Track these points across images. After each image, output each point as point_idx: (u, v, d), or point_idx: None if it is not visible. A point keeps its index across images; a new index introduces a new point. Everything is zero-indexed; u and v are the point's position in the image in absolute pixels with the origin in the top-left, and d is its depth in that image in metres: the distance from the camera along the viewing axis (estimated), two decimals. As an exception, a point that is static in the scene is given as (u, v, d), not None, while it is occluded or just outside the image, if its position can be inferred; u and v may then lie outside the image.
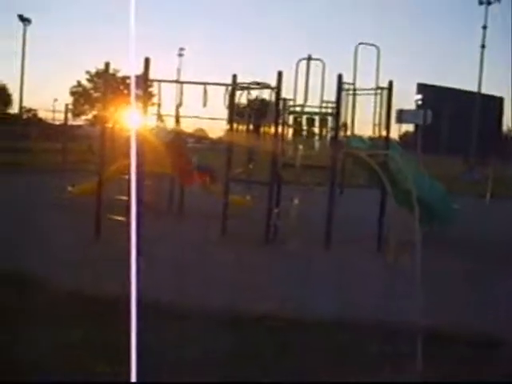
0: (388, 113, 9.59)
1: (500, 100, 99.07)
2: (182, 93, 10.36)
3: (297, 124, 9.83)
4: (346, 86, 9.37)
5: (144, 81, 8.80)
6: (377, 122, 9.72)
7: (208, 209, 11.97)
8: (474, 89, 45.90)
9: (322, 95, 9.43)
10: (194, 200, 12.35)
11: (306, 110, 9.74)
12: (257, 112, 10.79)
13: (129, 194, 11.18)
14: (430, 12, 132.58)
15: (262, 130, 11.11)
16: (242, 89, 9.58)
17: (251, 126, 10.67)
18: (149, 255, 7.43)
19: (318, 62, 9.26)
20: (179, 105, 10.65)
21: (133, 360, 2.39)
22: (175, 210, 12.15)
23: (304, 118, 9.80)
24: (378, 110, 9.61)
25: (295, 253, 8.44)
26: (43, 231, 9.13)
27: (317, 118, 9.93)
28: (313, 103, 9.87)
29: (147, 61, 8.71)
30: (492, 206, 18.38)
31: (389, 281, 7.25)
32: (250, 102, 11.77)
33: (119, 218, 8.73)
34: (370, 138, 10.36)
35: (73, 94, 55.48)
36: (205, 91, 9.20)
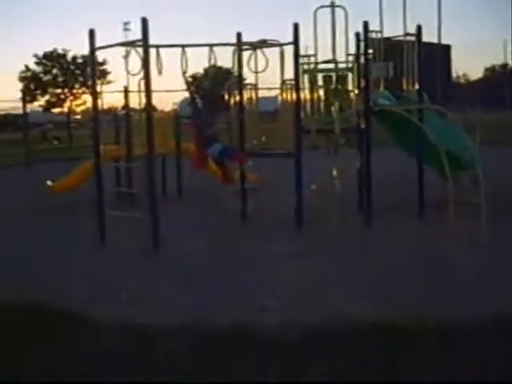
0: (418, 62, 8.38)
1: (447, 48, 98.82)
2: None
3: (315, 84, 8.50)
4: (374, 35, 8.09)
5: (91, 53, 7.34)
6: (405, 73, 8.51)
7: (205, 190, 10.75)
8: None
9: (346, 48, 8.14)
10: (185, 180, 11.01)
11: (327, 66, 8.44)
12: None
13: (129, 183, 10.05)
14: None
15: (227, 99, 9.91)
16: (252, 49, 8.13)
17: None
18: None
19: (339, 9, 7.91)
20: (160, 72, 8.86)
21: None
22: (173, 195, 10.77)
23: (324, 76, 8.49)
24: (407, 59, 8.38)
25: (342, 235, 7.24)
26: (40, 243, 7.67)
27: (333, 75, 8.66)
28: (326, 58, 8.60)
29: (92, 32, 7.23)
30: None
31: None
32: (206, 70, 10.49)
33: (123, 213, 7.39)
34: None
35: (22, 79, 52.32)
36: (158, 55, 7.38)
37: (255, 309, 4.86)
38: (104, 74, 43.00)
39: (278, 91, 9.11)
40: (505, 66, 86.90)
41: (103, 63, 41.17)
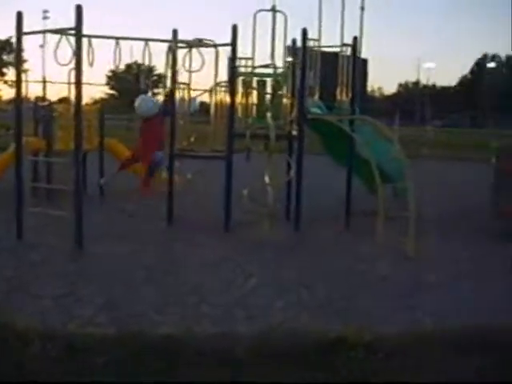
0: (353, 73, 8.45)
1: (364, 62, 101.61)
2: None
3: (248, 88, 8.39)
4: (311, 43, 8.07)
5: (17, 39, 6.97)
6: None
7: (129, 189, 10.45)
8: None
9: (285, 54, 8.07)
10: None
11: (261, 70, 8.37)
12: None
13: (48, 179, 9.56)
14: None
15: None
16: (188, 47, 7.91)
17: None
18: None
19: (279, 14, 7.83)
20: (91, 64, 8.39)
21: None
22: (95, 193, 10.35)
23: (258, 81, 8.40)
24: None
25: (271, 241, 7.18)
26: None
27: (268, 80, 8.61)
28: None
29: (19, 15, 6.86)
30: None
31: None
32: (127, 66, 10.20)
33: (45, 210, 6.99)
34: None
35: None
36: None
37: (187, 317, 4.68)
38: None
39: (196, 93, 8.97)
40: (417, 82, 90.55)
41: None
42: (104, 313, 4.70)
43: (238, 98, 8.25)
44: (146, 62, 7.42)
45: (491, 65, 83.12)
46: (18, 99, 7.21)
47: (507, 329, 4.34)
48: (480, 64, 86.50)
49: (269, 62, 8.24)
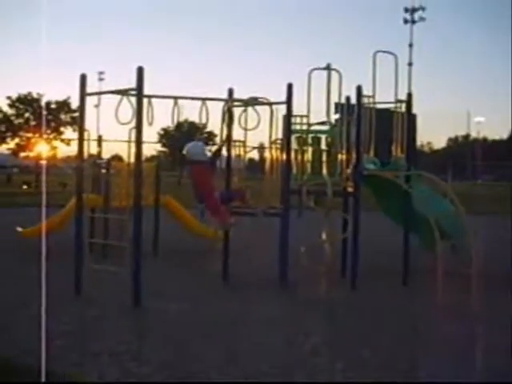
0: (408, 129, 8.42)
1: (413, 116, 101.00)
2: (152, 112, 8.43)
3: (303, 144, 8.43)
4: (366, 100, 8.10)
5: (81, 99, 7.17)
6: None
7: (182, 246, 10.52)
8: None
9: (336, 111, 8.14)
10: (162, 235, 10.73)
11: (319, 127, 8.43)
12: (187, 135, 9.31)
13: (105, 235, 9.70)
14: (358, 33, 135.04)
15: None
16: (244, 105, 8.04)
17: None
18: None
19: (334, 72, 7.91)
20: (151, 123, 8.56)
21: None
22: (149, 250, 10.44)
23: (313, 137, 8.45)
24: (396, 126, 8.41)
25: (328, 300, 7.06)
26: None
27: (323, 137, 8.65)
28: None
29: (83, 78, 7.11)
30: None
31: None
32: (178, 124, 10.30)
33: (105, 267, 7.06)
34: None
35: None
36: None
37: (247, 377, 4.59)
38: (76, 121, 42.63)
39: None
40: (467, 136, 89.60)
41: (76, 110, 40.90)
42: (163, 371, 4.65)
43: (293, 155, 8.27)
44: (203, 121, 7.54)
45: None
46: (80, 157, 7.42)
47: None
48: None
49: (323, 119, 8.28)
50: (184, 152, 8.14)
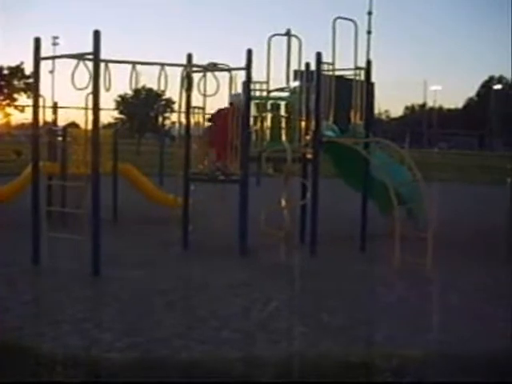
0: (367, 96, 8.48)
1: (371, 85, 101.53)
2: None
3: (262, 111, 8.41)
4: (326, 67, 8.09)
5: (35, 64, 6.97)
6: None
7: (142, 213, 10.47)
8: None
9: (295, 78, 8.12)
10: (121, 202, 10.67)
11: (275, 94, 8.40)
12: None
13: (62, 203, 9.56)
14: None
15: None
16: (203, 71, 7.94)
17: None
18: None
19: (293, 38, 7.87)
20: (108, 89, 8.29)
21: None
22: (108, 217, 10.33)
23: (272, 104, 8.43)
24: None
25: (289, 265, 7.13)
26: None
27: (283, 104, 8.64)
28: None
29: (38, 41, 6.93)
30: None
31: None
32: (136, 91, 10.13)
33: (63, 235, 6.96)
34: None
35: None
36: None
37: (209, 342, 4.63)
38: (30, 87, 41.49)
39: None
40: (423, 105, 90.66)
41: (30, 76, 39.79)
42: (124, 338, 4.65)
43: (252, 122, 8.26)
44: (162, 87, 7.43)
45: (497, 86, 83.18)
46: (35, 124, 7.24)
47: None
48: (486, 86, 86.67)
49: (283, 85, 8.26)
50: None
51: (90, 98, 6.71)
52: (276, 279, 6.67)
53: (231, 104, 8.20)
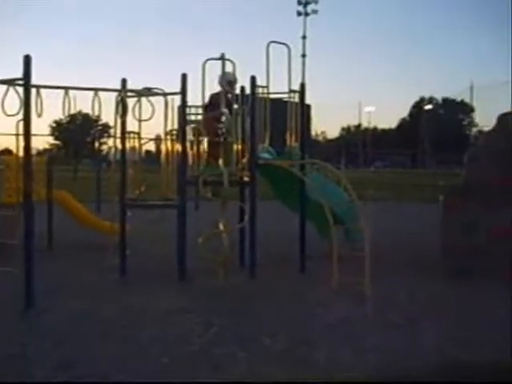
0: (302, 118, 8.60)
1: (308, 107, 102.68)
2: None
3: (198, 135, 8.40)
4: (260, 90, 8.19)
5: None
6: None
7: (78, 241, 10.24)
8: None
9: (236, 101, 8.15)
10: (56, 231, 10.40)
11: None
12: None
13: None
14: (252, 25, 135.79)
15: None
16: (138, 96, 7.88)
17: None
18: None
19: (228, 62, 7.91)
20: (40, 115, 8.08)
21: None
22: (43, 246, 10.05)
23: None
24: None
25: (228, 288, 7.10)
26: None
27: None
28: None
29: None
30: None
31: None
32: (72, 116, 10.07)
33: None
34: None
35: None
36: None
37: (148, 372, 4.54)
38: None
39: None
40: (359, 126, 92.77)
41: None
42: (61, 374, 4.50)
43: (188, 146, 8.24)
44: (96, 112, 7.34)
45: (428, 107, 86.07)
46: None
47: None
48: (417, 106, 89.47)
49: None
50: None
51: (21, 124, 6.56)
52: (215, 304, 6.62)
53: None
